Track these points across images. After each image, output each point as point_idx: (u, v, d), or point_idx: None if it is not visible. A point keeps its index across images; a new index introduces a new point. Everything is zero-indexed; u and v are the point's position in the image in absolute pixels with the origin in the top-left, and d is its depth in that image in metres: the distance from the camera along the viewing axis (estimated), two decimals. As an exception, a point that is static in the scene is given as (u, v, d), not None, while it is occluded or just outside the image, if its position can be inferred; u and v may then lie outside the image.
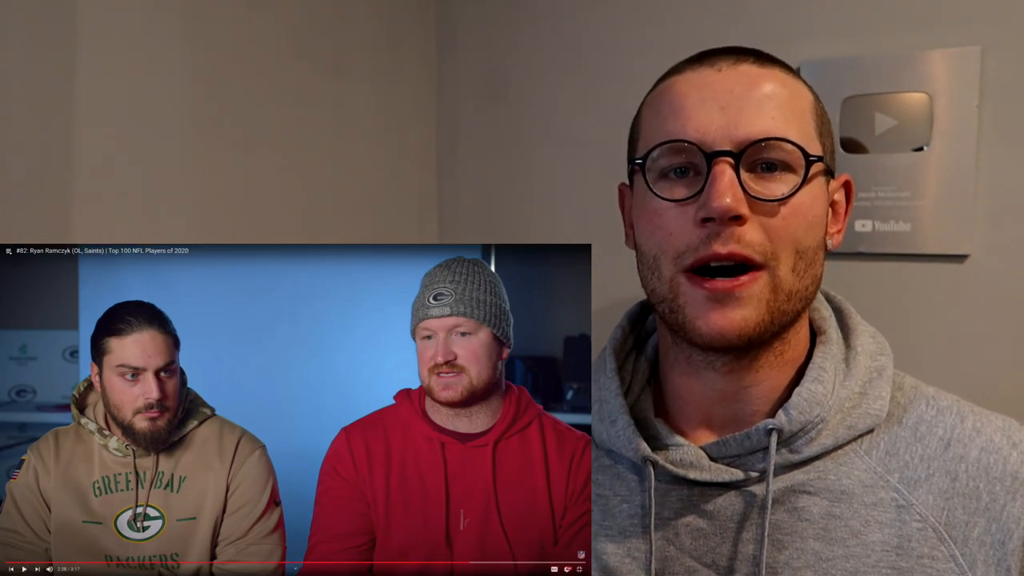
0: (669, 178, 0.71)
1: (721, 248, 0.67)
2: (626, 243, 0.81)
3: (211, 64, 1.01)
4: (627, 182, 0.80)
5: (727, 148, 0.68)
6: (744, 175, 0.68)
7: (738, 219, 0.67)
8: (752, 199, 0.68)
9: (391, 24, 1.28)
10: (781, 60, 0.74)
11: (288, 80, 1.10)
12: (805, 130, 0.71)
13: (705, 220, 0.68)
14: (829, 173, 0.74)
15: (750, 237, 0.68)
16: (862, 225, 1.06)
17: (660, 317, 0.76)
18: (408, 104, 1.32)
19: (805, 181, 0.69)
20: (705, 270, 0.69)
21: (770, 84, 0.70)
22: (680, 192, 0.70)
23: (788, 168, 0.69)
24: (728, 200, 0.66)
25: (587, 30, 1.23)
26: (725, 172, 0.67)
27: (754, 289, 0.68)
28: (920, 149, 1.02)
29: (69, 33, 0.87)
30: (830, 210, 0.75)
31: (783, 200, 0.68)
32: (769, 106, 0.69)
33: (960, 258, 1.02)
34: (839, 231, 0.77)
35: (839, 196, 0.77)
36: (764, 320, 0.69)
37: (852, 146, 1.05)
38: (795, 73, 0.74)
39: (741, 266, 0.68)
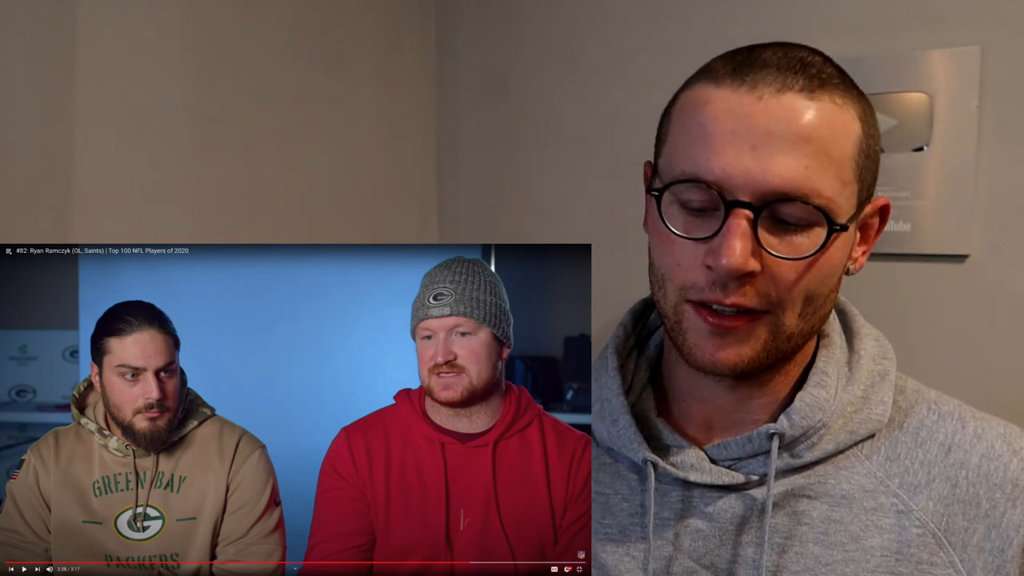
0: (686, 207, 0.68)
1: (724, 298, 0.66)
2: (643, 226, 0.76)
3: (211, 64, 1.01)
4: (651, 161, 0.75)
5: (747, 199, 0.64)
6: (762, 228, 0.64)
7: (747, 274, 0.65)
8: (766, 252, 0.65)
9: (391, 24, 1.28)
10: (837, 74, 0.67)
11: (288, 80, 1.10)
12: (841, 177, 0.65)
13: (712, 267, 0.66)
14: (863, 205, 0.70)
15: (756, 289, 0.66)
16: (862, 225, 1.06)
17: (664, 329, 0.76)
18: (408, 104, 1.32)
19: (826, 244, 0.65)
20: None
21: (812, 122, 0.64)
22: (693, 225, 0.67)
23: (813, 223, 0.65)
24: (737, 259, 0.63)
25: (587, 30, 1.23)
26: (740, 226, 0.64)
27: (752, 329, 0.67)
28: (920, 149, 1.02)
29: (69, 33, 0.87)
30: (858, 234, 0.72)
31: (800, 259, 0.66)
32: (805, 152, 0.64)
33: (960, 258, 1.02)
34: (865, 252, 0.73)
35: (873, 220, 0.73)
36: (759, 357, 0.68)
37: (852, 146, 1.05)
38: (848, 92, 0.67)
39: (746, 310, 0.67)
